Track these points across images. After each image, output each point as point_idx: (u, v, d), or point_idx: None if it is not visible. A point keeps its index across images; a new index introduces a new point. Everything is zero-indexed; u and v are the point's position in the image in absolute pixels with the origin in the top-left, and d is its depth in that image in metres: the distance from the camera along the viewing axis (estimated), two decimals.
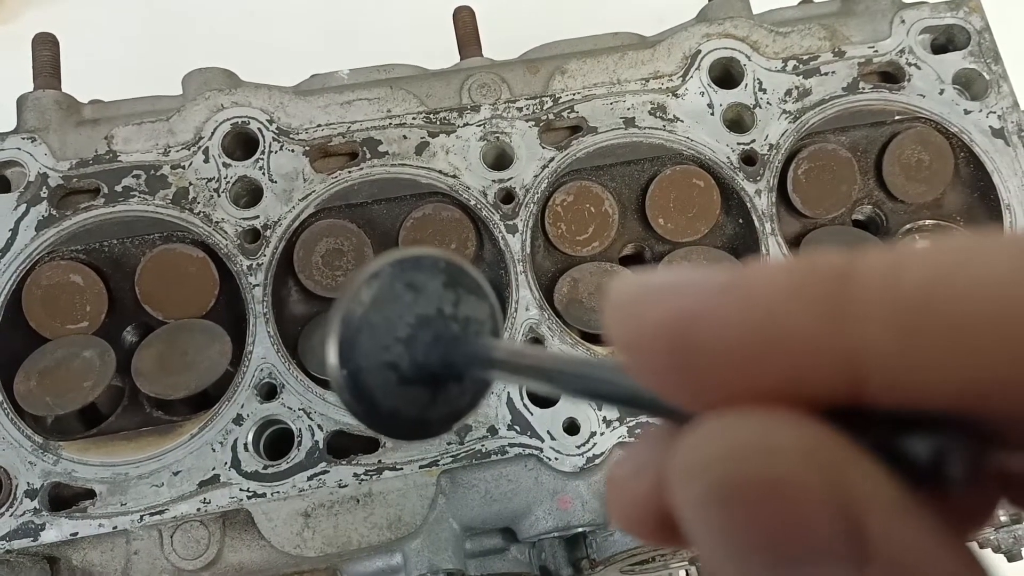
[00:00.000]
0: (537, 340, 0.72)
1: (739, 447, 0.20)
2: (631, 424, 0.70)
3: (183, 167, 0.74)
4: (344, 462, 0.68)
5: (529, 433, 0.70)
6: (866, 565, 0.18)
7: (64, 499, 0.67)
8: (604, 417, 0.70)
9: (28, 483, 0.66)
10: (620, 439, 0.70)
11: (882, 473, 0.19)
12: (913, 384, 0.19)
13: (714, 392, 0.21)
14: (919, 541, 0.19)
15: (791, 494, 0.19)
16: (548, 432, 0.70)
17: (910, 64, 0.80)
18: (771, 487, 0.19)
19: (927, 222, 0.81)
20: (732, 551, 0.20)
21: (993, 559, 0.79)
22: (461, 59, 0.85)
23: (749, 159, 0.77)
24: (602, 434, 0.70)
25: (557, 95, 0.78)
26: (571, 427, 0.70)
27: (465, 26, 0.86)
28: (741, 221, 0.78)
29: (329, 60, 0.92)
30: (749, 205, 0.76)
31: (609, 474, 0.25)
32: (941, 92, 0.80)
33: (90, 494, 0.67)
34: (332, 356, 0.31)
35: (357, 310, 0.31)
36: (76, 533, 0.66)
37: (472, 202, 0.75)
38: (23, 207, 0.72)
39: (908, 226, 0.81)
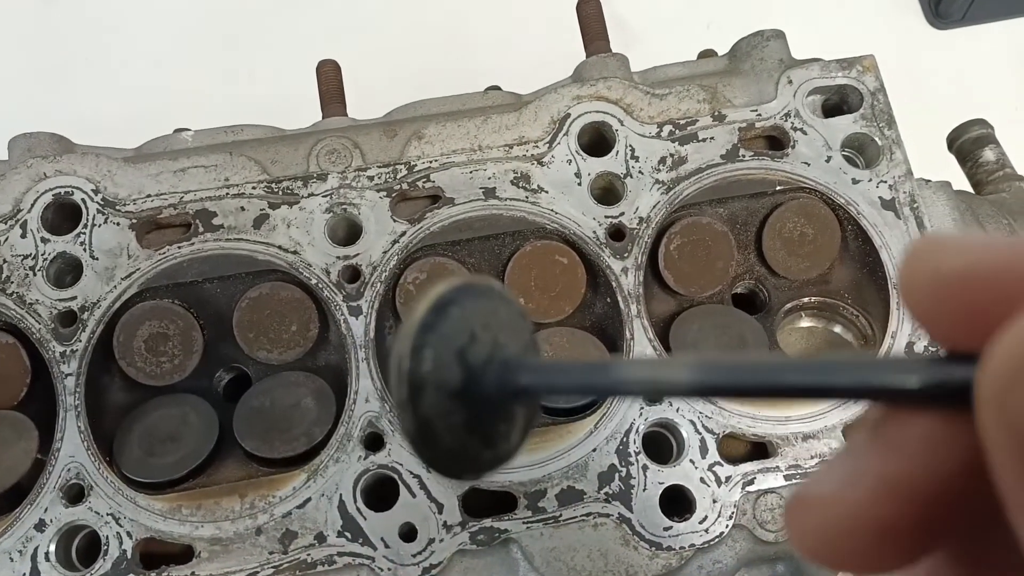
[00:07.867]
0: (376, 436, 0.66)
1: None
2: (473, 529, 0.64)
3: None
4: (154, 574, 0.62)
5: (361, 540, 0.64)
6: None
7: None
8: (445, 522, 0.64)
9: None
10: (461, 546, 0.64)
11: None
12: None
13: None
14: None
15: None
16: (382, 539, 0.64)
17: (795, 128, 0.74)
18: None
19: (812, 299, 0.75)
20: None
21: None
22: (323, 118, 0.79)
23: (617, 234, 0.71)
24: (441, 540, 0.64)
25: (412, 162, 0.72)
26: (408, 534, 0.64)
27: (328, 82, 0.80)
28: (609, 300, 0.72)
29: (192, 118, 0.86)
30: (615, 284, 0.70)
31: (797, 494, 0.22)
32: (828, 159, 0.74)
33: None
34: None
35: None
36: None
37: (313, 281, 0.69)
38: None
39: (790, 304, 0.75)
